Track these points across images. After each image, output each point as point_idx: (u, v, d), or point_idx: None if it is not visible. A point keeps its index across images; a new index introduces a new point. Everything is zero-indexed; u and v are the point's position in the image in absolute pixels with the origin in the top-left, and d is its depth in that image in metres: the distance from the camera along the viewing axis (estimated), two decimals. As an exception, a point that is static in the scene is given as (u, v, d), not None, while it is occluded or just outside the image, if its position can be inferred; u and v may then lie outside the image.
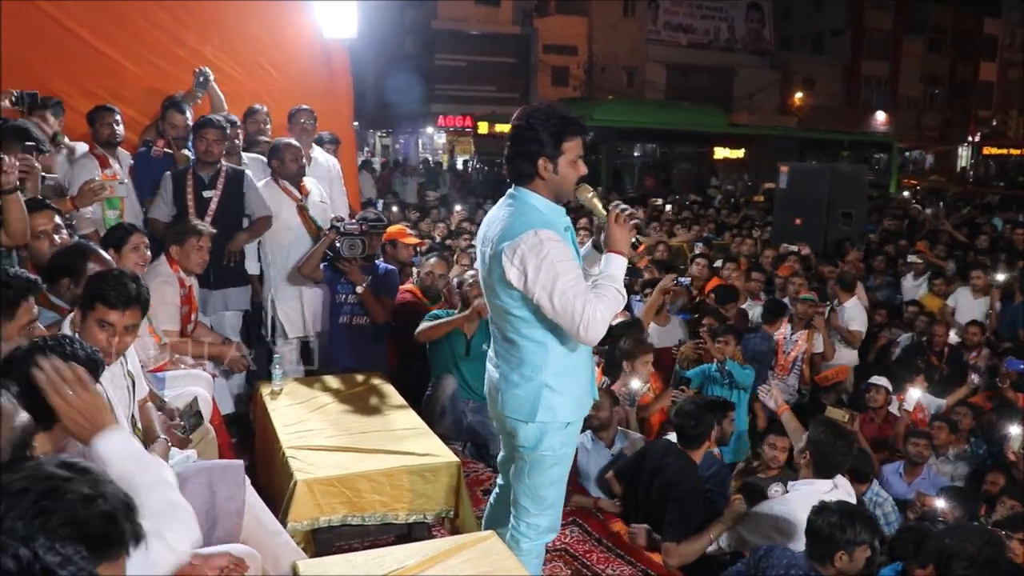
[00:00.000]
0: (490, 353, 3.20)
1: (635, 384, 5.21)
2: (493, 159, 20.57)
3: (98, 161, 5.37)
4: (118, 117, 5.48)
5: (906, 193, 21.56)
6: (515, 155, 2.90)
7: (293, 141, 5.74)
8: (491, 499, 3.56)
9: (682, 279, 7.13)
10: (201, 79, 6.04)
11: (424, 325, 5.09)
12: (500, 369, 3.07)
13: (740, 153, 23.73)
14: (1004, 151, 34.10)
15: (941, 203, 15.73)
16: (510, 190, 3.00)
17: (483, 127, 19.44)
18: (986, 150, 35.08)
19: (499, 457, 3.44)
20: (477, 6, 30.71)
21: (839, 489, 3.86)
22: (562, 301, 2.74)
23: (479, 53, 30.51)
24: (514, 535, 3.19)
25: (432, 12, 30.14)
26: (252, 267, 5.71)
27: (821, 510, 3.27)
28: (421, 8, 30.01)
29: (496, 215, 3.00)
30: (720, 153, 23.47)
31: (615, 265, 2.88)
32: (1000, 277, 8.33)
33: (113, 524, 1.39)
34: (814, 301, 7.03)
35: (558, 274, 2.74)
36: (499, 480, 3.50)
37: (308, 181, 5.80)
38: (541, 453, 3.03)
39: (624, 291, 2.88)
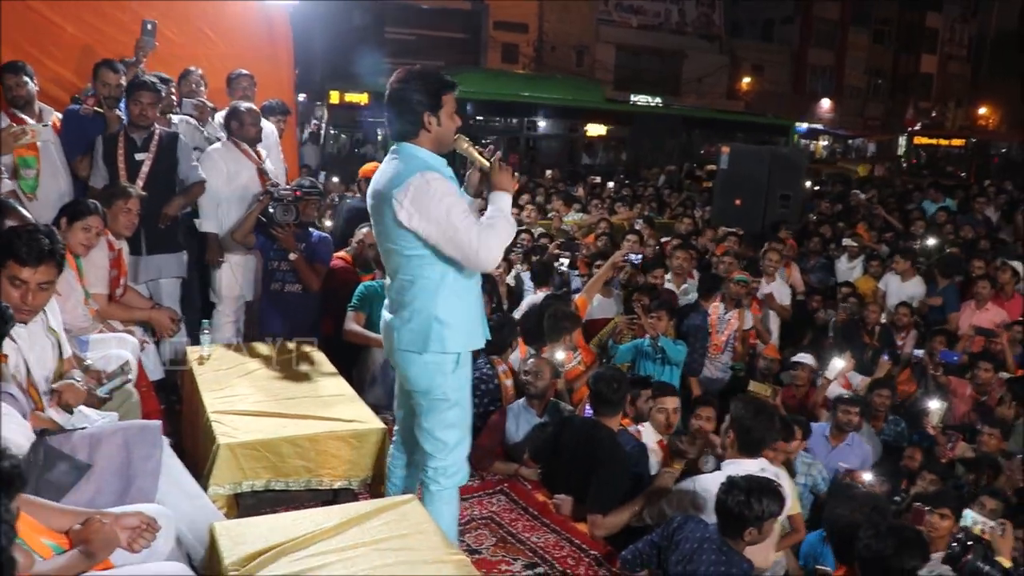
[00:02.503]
0: (386, 302, 3.35)
1: (559, 355, 5.24)
2: (347, 130, 19.58)
3: (9, 119, 5.14)
4: (25, 78, 5.22)
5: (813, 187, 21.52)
6: (399, 113, 3.12)
7: (251, 105, 5.72)
8: (391, 451, 3.67)
9: (633, 256, 7.18)
10: (149, 27, 5.87)
11: (354, 328, 5.15)
12: (395, 311, 3.24)
13: (619, 131, 22.57)
14: (934, 141, 35.21)
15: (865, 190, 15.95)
16: (393, 147, 3.20)
17: (334, 96, 18.59)
18: (917, 140, 36.09)
19: (395, 406, 3.59)
20: (428, -21, 30.43)
21: (767, 472, 3.94)
22: (457, 230, 2.97)
23: (429, 28, 30.17)
24: (423, 479, 3.33)
25: (382, -16, 29.76)
26: (212, 226, 5.61)
27: (729, 488, 3.34)
28: (371, -20, 29.60)
29: (383, 169, 3.20)
30: (596, 130, 22.32)
31: (503, 200, 3.15)
32: (931, 241, 9.24)
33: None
34: (746, 282, 7.16)
35: (449, 207, 2.98)
36: (395, 431, 3.65)
37: (261, 149, 5.80)
38: (434, 397, 3.21)
39: (513, 221, 3.16)
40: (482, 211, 3.19)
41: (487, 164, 3.22)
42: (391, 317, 3.26)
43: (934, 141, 34.66)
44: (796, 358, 6.34)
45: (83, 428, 2.94)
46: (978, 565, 3.28)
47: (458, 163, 3.30)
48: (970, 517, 3.88)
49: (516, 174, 3.28)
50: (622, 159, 22.09)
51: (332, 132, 19.10)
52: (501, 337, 5.24)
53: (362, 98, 17.87)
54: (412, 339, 3.16)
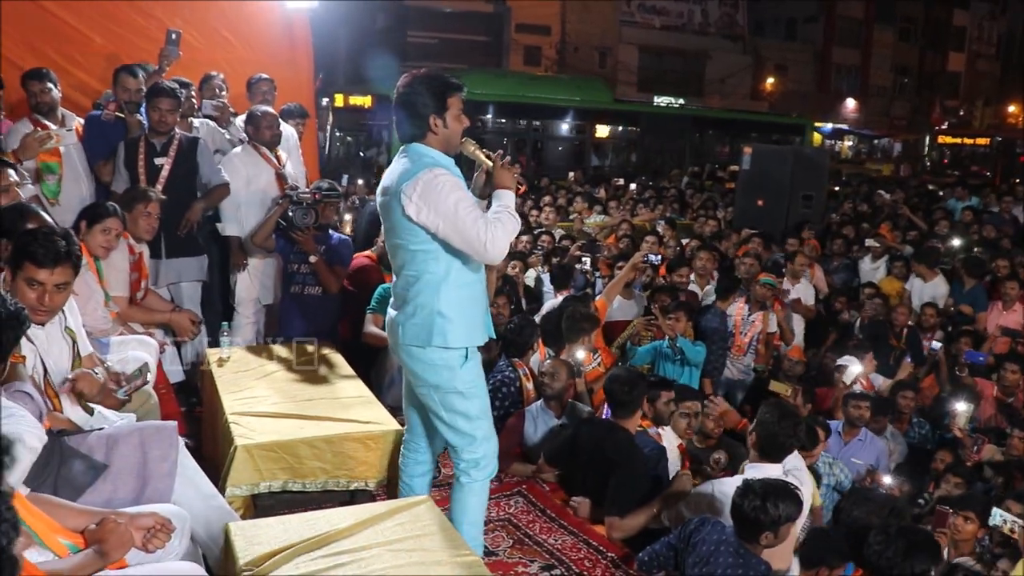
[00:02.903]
0: (392, 299, 3.40)
1: (579, 354, 5.21)
2: (352, 133, 19.08)
3: (33, 125, 5.19)
4: (49, 85, 5.31)
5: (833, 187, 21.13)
6: (406, 116, 3.19)
7: (268, 109, 5.77)
8: (402, 451, 3.66)
9: (652, 256, 7.16)
10: (173, 36, 5.93)
11: (373, 330, 5.20)
12: (399, 307, 3.29)
13: (627, 132, 21.97)
14: (958, 140, 35.05)
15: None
16: (402, 148, 3.27)
17: (339, 100, 18.30)
18: (940, 139, 35.86)
19: (404, 406, 3.62)
20: (450, -17, 30.52)
21: (800, 471, 3.89)
22: (465, 224, 3.02)
23: (451, 31, 30.22)
24: (456, 473, 3.37)
25: (404, -11, 29.88)
26: (234, 229, 5.65)
27: (744, 492, 3.30)
28: (393, -16, 29.69)
29: (392, 168, 3.25)
30: (605, 131, 21.76)
31: (507, 197, 3.20)
32: (957, 242, 9.24)
33: None
34: (772, 285, 7.09)
35: (457, 201, 3.04)
36: (404, 432, 3.67)
37: (282, 153, 5.84)
38: (446, 392, 3.24)
39: (517, 217, 3.19)
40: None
41: (491, 164, 3.27)
42: (396, 313, 3.31)
43: (957, 140, 34.43)
44: (841, 361, 6.23)
45: (100, 429, 2.97)
46: None
47: (464, 166, 3.32)
48: (999, 516, 3.82)
49: (521, 176, 3.32)
50: (632, 160, 21.53)
51: (337, 135, 18.85)
52: (522, 339, 5.24)
53: (365, 101, 17.65)
54: (416, 333, 3.21)
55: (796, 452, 4.01)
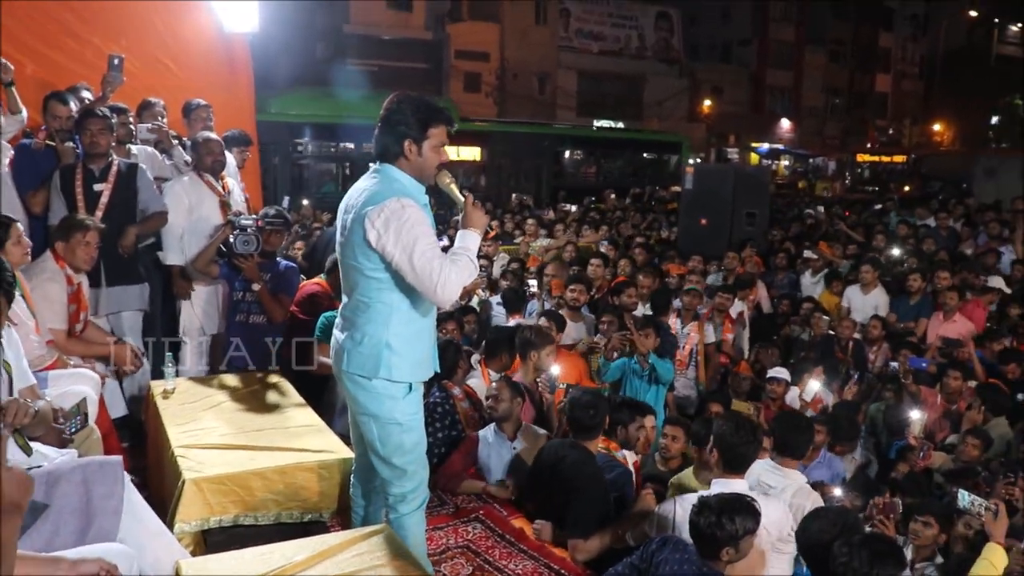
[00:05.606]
0: (338, 320, 3.32)
1: (555, 370, 5.16)
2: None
3: None
4: None
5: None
6: (384, 134, 3.13)
7: (211, 135, 5.66)
8: (352, 480, 3.60)
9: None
10: (116, 62, 5.78)
11: (324, 360, 5.04)
12: (347, 330, 3.21)
13: (473, 154, 20.45)
14: (876, 158, 36.54)
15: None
16: (374, 165, 3.20)
17: None
18: (860, 157, 37.16)
19: (351, 434, 3.54)
20: (389, 10, 30.49)
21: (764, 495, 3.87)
22: (421, 262, 2.96)
23: (391, 58, 30.22)
24: (386, 508, 3.32)
25: (344, 16, 29.76)
26: (176, 258, 5.49)
27: (700, 509, 3.28)
28: (332, 12, 29.58)
29: (360, 186, 3.19)
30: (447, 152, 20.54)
31: (470, 239, 3.15)
32: (896, 252, 9.49)
33: None
34: (699, 292, 7.15)
35: (417, 236, 2.97)
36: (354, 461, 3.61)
37: (229, 179, 5.74)
38: (385, 422, 3.17)
39: (476, 262, 3.16)
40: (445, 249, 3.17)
41: (461, 200, 3.21)
42: (343, 337, 3.22)
43: (875, 158, 35.85)
44: (772, 373, 6.31)
45: (39, 467, 2.82)
46: None
47: (437, 196, 3.26)
48: (967, 498, 3.84)
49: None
50: (480, 184, 19.99)
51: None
52: (444, 360, 5.18)
53: None
54: (361, 363, 3.13)
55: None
